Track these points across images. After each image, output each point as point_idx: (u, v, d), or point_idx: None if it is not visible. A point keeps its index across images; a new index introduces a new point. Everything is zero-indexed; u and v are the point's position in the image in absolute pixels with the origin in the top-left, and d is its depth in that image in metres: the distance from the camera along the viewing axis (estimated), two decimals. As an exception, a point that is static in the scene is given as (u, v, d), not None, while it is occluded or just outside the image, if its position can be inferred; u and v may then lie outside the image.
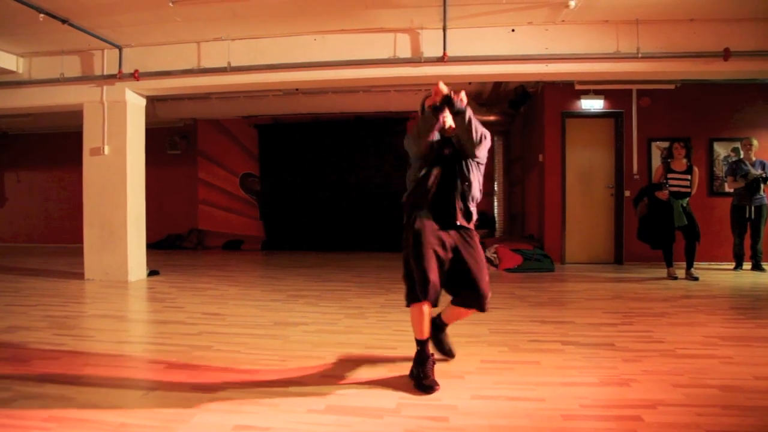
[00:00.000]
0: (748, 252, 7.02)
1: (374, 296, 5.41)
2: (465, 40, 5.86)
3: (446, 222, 2.91)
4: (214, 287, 6.07)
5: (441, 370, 3.03)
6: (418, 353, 2.89)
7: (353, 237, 10.26)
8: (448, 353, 3.26)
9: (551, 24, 5.79)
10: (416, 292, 2.80)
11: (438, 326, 3.21)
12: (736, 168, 6.92)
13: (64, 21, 5.59)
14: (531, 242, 8.06)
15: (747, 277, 6.53)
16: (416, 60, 5.91)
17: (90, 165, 6.69)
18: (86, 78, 6.69)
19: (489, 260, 7.46)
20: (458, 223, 2.92)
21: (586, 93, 7.79)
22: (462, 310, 3.09)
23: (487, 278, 2.91)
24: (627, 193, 7.72)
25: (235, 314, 4.66)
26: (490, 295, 2.92)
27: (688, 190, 6.27)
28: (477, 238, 2.98)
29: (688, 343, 3.61)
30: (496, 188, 9.54)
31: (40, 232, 12.05)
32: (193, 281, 6.54)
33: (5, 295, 5.63)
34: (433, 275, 2.75)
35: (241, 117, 10.53)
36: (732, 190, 7.10)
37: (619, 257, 7.86)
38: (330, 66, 6.10)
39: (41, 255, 9.71)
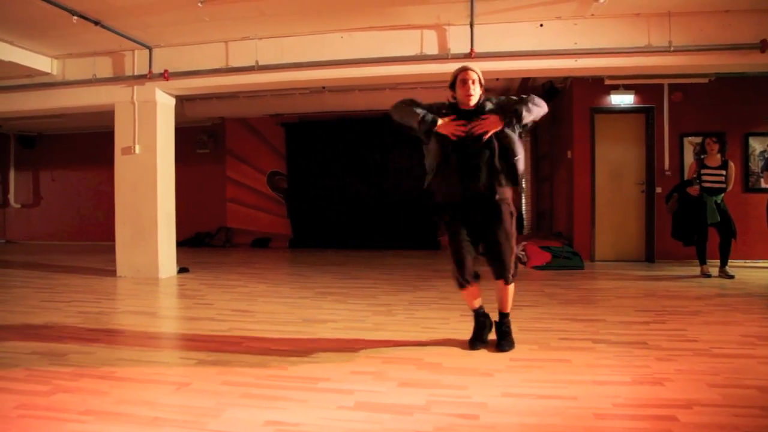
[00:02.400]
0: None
1: (402, 293, 5.38)
2: (492, 36, 5.81)
3: None
4: (243, 284, 6.14)
5: (470, 368, 3.03)
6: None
7: (381, 235, 10.25)
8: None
9: (580, 18, 5.70)
10: None
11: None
12: (773, 163, 6.72)
13: (96, 23, 5.70)
14: (560, 239, 7.96)
15: (785, 276, 6.34)
16: (443, 56, 5.87)
17: (121, 164, 6.83)
18: (117, 78, 6.83)
19: (517, 257, 7.38)
20: None
21: (616, 88, 7.64)
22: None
23: None
24: (659, 190, 7.56)
25: (264, 311, 4.70)
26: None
27: (723, 185, 6.11)
28: None
29: (724, 342, 3.52)
30: (523, 185, 9.42)
31: (73, 230, 12.36)
32: (222, 278, 6.63)
33: (41, 292, 5.78)
34: None
35: (269, 115, 10.61)
36: (769, 186, 6.91)
37: (650, 255, 7.70)
38: (356, 63, 6.10)
39: (74, 252, 9.95)
